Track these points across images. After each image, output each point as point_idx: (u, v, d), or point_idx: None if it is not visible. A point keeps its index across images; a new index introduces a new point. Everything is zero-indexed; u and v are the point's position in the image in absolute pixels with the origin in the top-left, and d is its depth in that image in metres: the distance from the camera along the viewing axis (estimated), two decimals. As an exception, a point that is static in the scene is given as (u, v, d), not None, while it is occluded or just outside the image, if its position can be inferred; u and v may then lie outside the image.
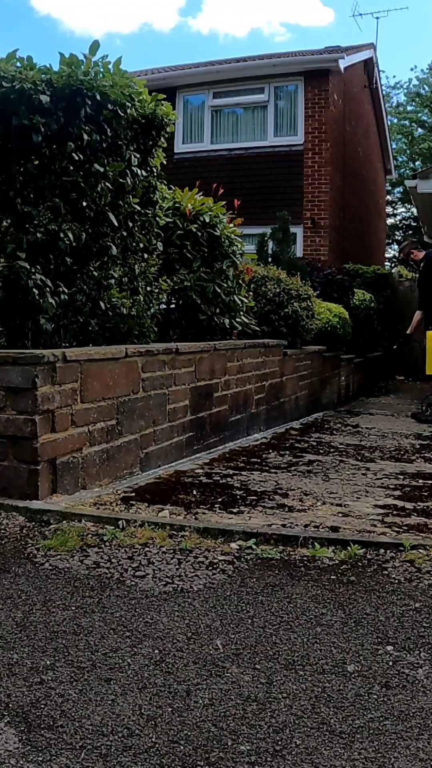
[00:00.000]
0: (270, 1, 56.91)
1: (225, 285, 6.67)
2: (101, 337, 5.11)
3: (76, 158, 4.62)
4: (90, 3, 57.57)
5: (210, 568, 3.20)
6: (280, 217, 11.20)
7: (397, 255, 12.92)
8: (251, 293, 7.69)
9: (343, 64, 14.24)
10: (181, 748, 1.92)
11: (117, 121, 4.83)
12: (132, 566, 3.19)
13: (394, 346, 12.00)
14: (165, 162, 5.72)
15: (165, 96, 5.41)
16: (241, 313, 7.15)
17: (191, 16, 61.52)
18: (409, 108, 32.28)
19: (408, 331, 10.09)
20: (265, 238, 11.12)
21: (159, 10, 57.64)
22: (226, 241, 6.80)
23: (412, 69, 52.69)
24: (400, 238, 34.90)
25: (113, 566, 3.19)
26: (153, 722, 2.03)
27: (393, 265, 26.31)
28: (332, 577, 3.13)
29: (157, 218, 5.68)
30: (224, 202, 6.92)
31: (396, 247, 35.06)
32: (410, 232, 33.50)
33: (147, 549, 3.39)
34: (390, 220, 32.33)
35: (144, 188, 5.39)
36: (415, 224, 30.21)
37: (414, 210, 23.31)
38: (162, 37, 59.92)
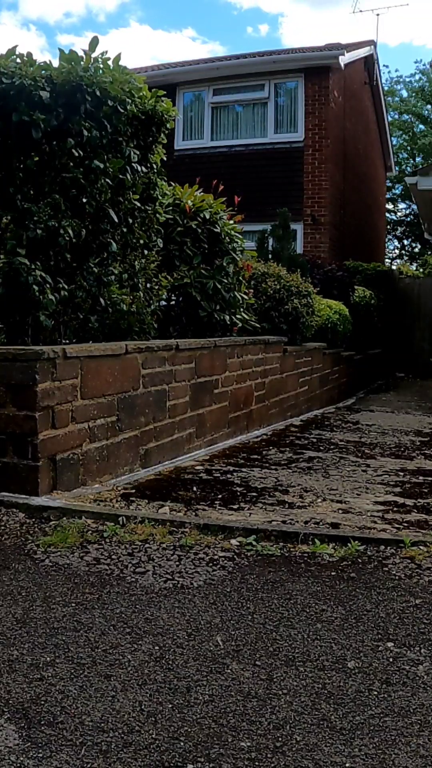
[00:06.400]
0: (146, 41, 56.96)
1: (225, 281, 6.67)
2: (101, 333, 5.11)
3: (76, 154, 4.62)
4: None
5: (210, 564, 3.20)
6: (280, 213, 11.18)
7: None
8: (251, 290, 7.69)
9: (343, 61, 14.20)
10: (182, 744, 1.92)
11: (117, 117, 4.82)
12: (132, 562, 3.19)
13: None
14: (165, 158, 5.71)
15: (165, 92, 5.40)
16: (242, 309, 7.15)
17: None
18: (411, 101, 32.16)
19: None
20: (266, 235, 11.11)
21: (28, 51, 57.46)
22: (227, 237, 6.79)
23: (416, 62, 52.69)
24: (400, 234, 34.87)
25: (113, 562, 3.19)
26: (153, 718, 2.03)
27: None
28: (332, 573, 3.13)
29: (157, 215, 5.67)
30: (224, 199, 6.91)
31: (396, 243, 35.04)
32: (410, 228, 33.47)
33: (147, 545, 3.39)
34: (390, 217, 32.26)
35: (144, 185, 5.38)
36: (415, 221, 30.15)
37: (414, 207, 23.29)
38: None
